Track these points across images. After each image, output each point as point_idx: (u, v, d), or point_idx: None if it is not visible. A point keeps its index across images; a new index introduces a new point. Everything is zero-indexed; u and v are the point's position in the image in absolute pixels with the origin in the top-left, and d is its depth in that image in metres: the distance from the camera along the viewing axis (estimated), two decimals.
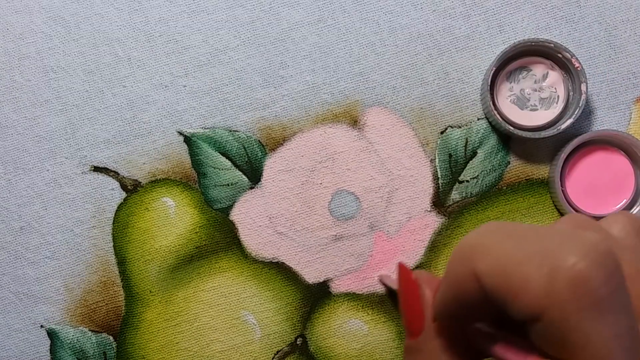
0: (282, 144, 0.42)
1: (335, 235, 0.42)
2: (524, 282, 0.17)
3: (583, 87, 0.39)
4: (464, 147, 0.42)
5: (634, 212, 0.40)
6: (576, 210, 0.40)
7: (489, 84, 0.40)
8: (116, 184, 0.42)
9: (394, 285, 0.38)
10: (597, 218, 0.40)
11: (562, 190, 0.40)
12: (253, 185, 0.42)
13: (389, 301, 0.42)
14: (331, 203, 0.42)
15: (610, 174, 0.40)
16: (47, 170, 0.42)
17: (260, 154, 0.42)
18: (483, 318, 0.22)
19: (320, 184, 0.42)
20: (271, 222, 0.42)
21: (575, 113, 0.39)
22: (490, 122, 0.42)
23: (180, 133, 0.42)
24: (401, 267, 0.28)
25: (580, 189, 0.40)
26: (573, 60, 0.39)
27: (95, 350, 0.42)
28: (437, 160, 0.42)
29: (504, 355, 0.21)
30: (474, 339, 0.23)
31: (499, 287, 0.18)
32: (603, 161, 0.40)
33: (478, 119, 0.42)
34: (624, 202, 0.41)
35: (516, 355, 0.21)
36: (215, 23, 0.42)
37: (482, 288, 0.19)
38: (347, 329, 0.42)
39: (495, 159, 0.42)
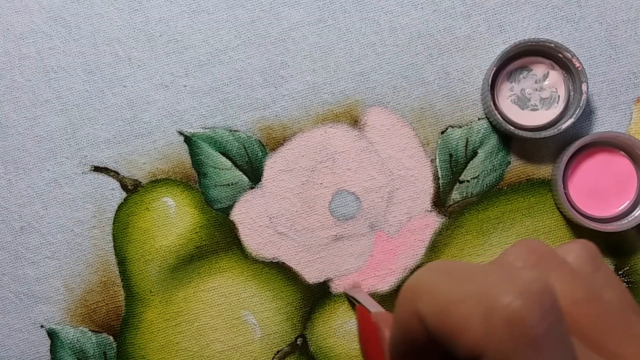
0: (282, 144, 0.42)
1: (336, 235, 0.42)
2: (462, 322, 0.18)
3: (584, 87, 0.39)
4: (464, 147, 0.42)
5: (637, 213, 0.40)
6: (579, 213, 0.40)
7: (490, 83, 0.40)
8: (116, 184, 0.42)
9: (361, 299, 0.38)
10: (600, 220, 0.40)
11: (565, 193, 0.40)
12: (253, 185, 0.42)
13: (387, 303, 0.42)
14: (331, 203, 0.42)
15: (612, 175, 0.40)
16: (47, 170, 0.42)
17: (261, 153, 0.42)
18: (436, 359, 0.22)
19: (321, 184, 0.42)
20: (271, 222, 0.42)
21: (576, 113, 0.39)
22: (490, 122, 0.42)
23: (181, 133, 0.42)
24: (360, 311, 0.28)
25: (582, 191, 0.40)
26: (574, 60, 0.39)
27: (95, 350, 0.42)
28: (437, 160, 0.42)
29: None
30: None
31: (440, 327, 0.18)
32: (605, 163, 0.40)
33: (479, 119, 0.42)
34: (626, 203, 0.40)
35: None
36: (215, 23, 0.42)
37: (426, 329, 0.19)
38: (347, 329, 0.42)
39: (496, 159, 0.42)
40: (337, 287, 0.42)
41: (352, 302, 0.41)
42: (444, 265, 0.21)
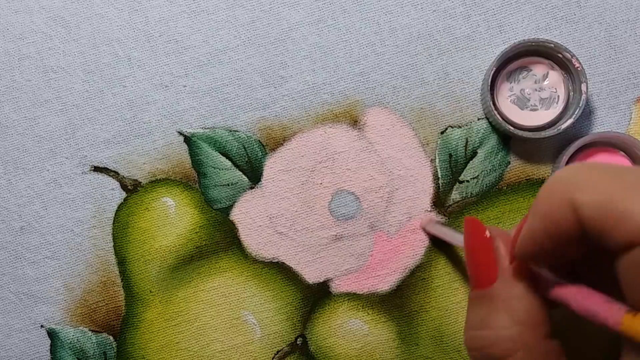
0: (282, 144, 0.42)
1: (336, 235, 0.42)
2: (628, 208, 0.19)
3: (583, 87, 0.39)
4: (464, 147, 0.42)
5: None
6: None
7: (489, 84, 0.40)
8: (116, 184, 0.42)
9: (446, 236, 0.38)
10: None
11: None
12: (253, 185, 0.42)
13: (390, 300, 0.42)
14: (331, 203, 0.42)
15: None
16: (47, 170, 0.42)
17: (261, 154, 0.42)
18: (566, 258, 0.23)
19: (320, 184, 0.42)
20: (271, 222, 0.42)
21: (576, 113, 0.39)
22: (490, 122, 0.42)
23: (181, 133, 0.42)
24: (473, 222, 0.29)
25: None
26: (573, 60, 0.39)
27: (95, 350, 0.42)
28: (437, 160, 0.42)
29: (586, 304, 0.22)
30: (547, 288, 0.24)
31: (599, 215, 0.19)
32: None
33: (478, 119, 0.42)
34: None
35: (599, 303, 0.21)
36: (215, 23, 0.42)
37: (578, 218, 0.20)
38: (347, 329, 0.42)
39: (496, 159, 0.42)
40: (337, 286, 0.42)
41: (434, 235, 0.42)
42: (594, 163, 0.22)
